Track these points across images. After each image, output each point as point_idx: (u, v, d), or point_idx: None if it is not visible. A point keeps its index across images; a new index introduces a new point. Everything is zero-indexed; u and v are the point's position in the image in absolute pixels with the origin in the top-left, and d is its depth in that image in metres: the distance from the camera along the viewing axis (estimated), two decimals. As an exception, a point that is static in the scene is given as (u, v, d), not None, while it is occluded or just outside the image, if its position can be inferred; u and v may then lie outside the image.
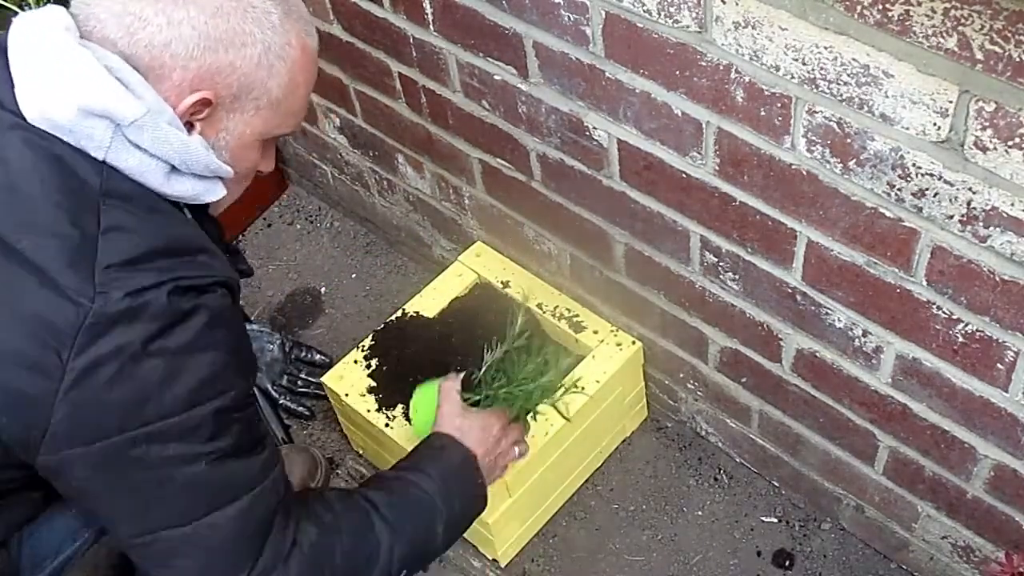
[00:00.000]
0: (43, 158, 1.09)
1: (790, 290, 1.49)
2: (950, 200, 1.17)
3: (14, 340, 1.07)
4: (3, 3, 1.85)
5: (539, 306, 1.86)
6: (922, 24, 1.03)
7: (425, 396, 1.62)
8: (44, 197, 1.08)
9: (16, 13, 1.26)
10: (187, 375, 1.11)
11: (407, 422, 1.73)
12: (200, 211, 1.25)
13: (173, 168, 1.16)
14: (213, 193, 1.22)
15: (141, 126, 1.11)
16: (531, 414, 1.65)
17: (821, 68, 1.17)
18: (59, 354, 1.05)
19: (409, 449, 1.78)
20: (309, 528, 1.27)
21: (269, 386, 2.07)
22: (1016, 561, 1.24)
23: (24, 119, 1.10)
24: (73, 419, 1.08)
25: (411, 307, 1.98)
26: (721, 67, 1.28)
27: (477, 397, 1.59)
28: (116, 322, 1.06)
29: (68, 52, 1.10)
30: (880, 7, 1.05)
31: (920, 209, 1.22)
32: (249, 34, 1.15)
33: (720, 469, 1.96)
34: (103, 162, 1.11)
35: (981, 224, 1.17)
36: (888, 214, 1.26)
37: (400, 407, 1.84)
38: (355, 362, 1.92)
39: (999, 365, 1.30)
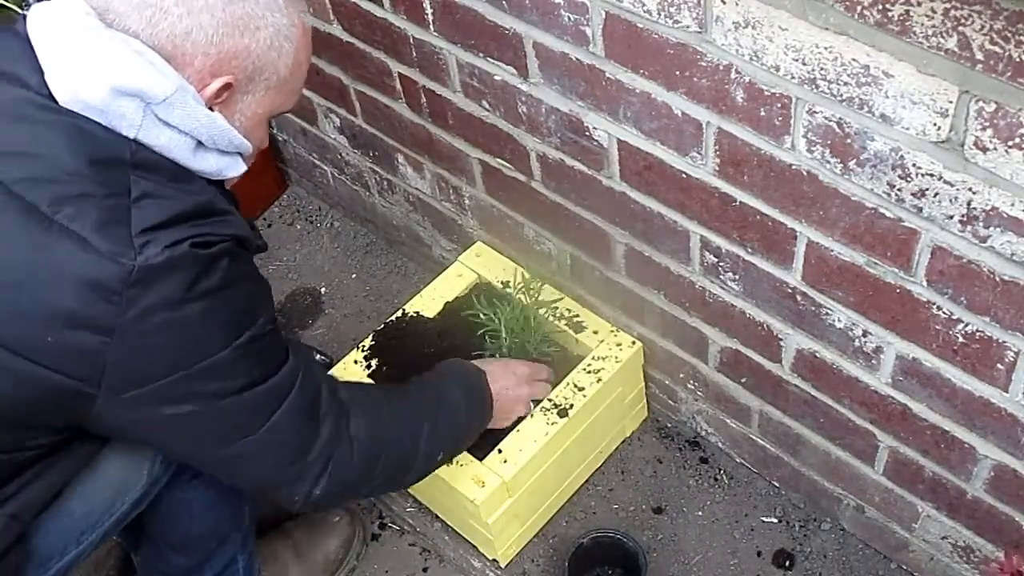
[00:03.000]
0: (76, 136, 1.15)
1: (790, 290, 1.49)
2: (950, 200, 1.17)
3: (65, 302, 1.13)
4: (3, 3, 1.85)
5: (539, 306, 1.86)
6: (922, 24, 1.03)
7: None
8: (77, 172, 1.14)
9: (16, 12, 1.29)
10: (226, 311, 1.22)
11: None
12: (218, 185, 1.30)
13: (199, 144, 1.23)
14: (235, 168, 1.30)
15: (171, 104, 1.17)
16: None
17: (821, 68, 1.17)
18: (110, 309, 1.13)
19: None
20: (358, 416, 1.43)
21: (269, 386, 2.09)
22: (1016, 561, 1.24)
23: (54, 101, 1.15)
24: (129, 366, 1.17)
25: (411, 307, 1.98)
26: (721, 67, 1.28)
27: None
28: (158, 274, 1.14)
29: (97, 35, 1.15)
30: (880, 7, 1.05)
31: (920, 209, 1.22)
32: (261, 17, 1.22)
33: (720, 469, 1.96)
34: (133, 139, 1.17)
35: (981, 224, 1.17)
36: (888, 214, 1.26)
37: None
38: (355, 362, 1.92)
39: (999, 365, 1.30)
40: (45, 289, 1.14)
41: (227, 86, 1.22)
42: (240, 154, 1.30)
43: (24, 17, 1.22)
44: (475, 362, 1.75)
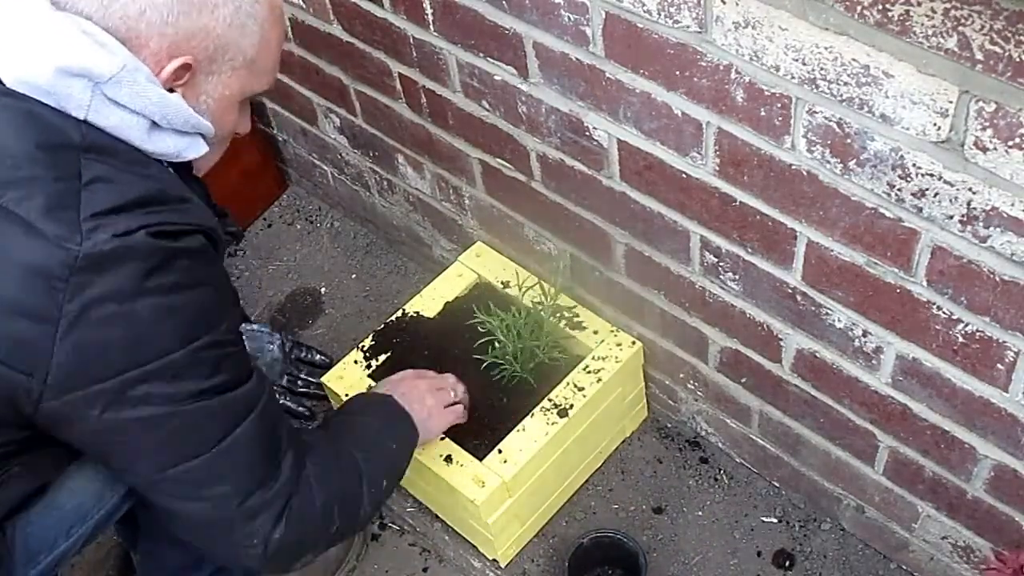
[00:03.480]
0: (23, 117, 1.12)
1: (790, 290, 1.49)
2: (950, 200, 1.17)
3: (8, 290, 1.09)
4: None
5: (539, 306, 1.86)
6: (922, 24, 1.03)
7: None
8: (26, 154, 1.11)
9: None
10: (181, 311, 1.14)
11: None
12: (184, 172, 1.27)
13: (154, 124, 1.18)
14: (195, 150, 1.24)
15: (119, 81, 1.13)
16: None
17: (821, 68, 1.17)
18: (54, 298, 1.08)
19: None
20: (315, 453, 1.37)
21: (269, 386, 2.08)
22: (1012, 560, 1.24)
23: (2, 84, 1.13)
24: (74, 362, 1.11)
25: (411, 307, 1.98)
26: (721, 67, 1.28)
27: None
28: (106, 263, 1.08)
29: (42, 16, 1.12)
30: (880, 7, 1.05)
31: (920, 209, 1.22)
32: None
33: (720, 469, 1.96)
34: (84, 121, 1.13)
35: (981, 224, 1.17)
36: (888, 214, 1.26)
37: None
38: (355, 362, 1.92)
39: (999, 365, 1.30)
40: None
41: (186, 67, 1.18)
42: (202, 135, 1.25)
43: None
44: (374, 388, 1.70)
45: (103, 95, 1.13)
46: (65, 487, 1.41)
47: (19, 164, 1.11)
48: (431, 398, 1.68)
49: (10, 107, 1.12)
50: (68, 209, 1.09)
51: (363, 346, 1.94)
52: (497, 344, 1.82)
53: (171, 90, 1.19)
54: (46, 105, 1.12)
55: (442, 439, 1.77)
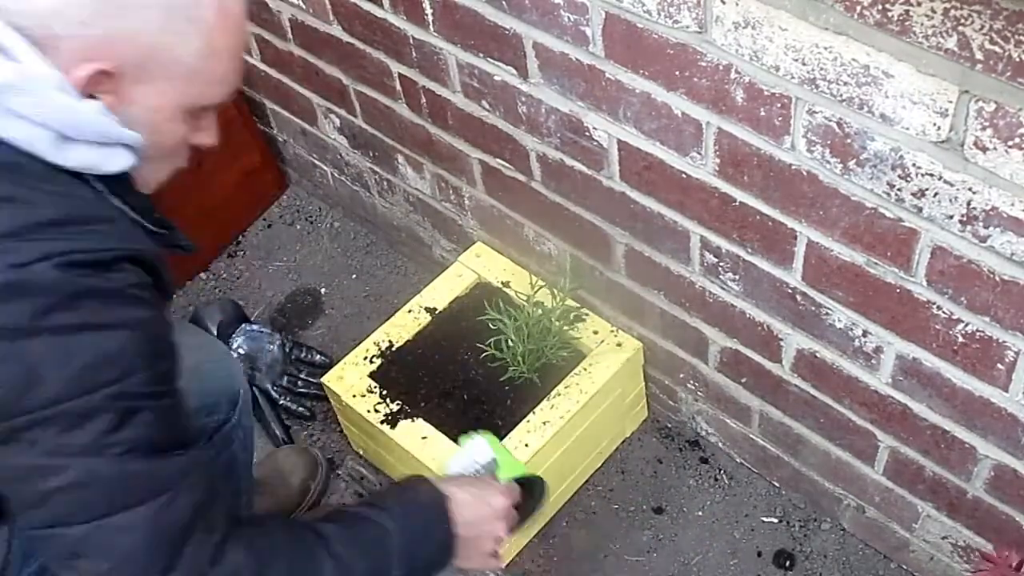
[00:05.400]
0: None
1: (790, 290, 1.49)
2: (950, 200, 1.18)
3: None
4: None
5: (539, 306, 1.86)
6: (922, 24, 1.03)
7: (493, 444, 1.48)
8: None
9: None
10: (79, 355, 1.00)
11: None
12: (121, 187, 1.13)
13: (63, 136, 1.04)
14: (115, 162, 1.09)
15: (20, 91, 1.01)
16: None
17: (821, 68, 1.17)
18: None
19: (409, 449, 1.78)
20: (237, 552, 1.11)
21: (269, 386, 2.08)
22: (1011, 555, 1.24)
23: None
24: None
25: (411, 307, 1.98)
26: (721, 67, 1.28)
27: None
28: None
29: None
30: (880, 7, 1.05)
31: (920, 209, 1.22)
32: None
33: (720, 469, 1.96)
34: None
35: (981, 224, 1.17)
36: (888, 214, 1.26)
37: (398, 405, 1.84)
38: (355, 364, 1.92)
39: (999, 365, 1.30)
40: None
41: (103, 73, 1.04)
42: (128, 146, 1.10)
43: None
44: (442, 483, 1.32)
45: (3, 106, 1.00)
46: None
47: None
48: (499, 523, 1.35)
49: None
50: None
51: (364, 347, 1.94)
52: (508, 344, 1.81)
53: (93, 96, 1.06)
54: None
55: (443, 439, 1.77)
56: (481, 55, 1.62)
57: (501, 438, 1.77)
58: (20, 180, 1.02)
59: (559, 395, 1.81)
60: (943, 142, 1.13)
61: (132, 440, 1.03)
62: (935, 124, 1.11)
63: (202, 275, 2.40)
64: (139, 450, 1.04)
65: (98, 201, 1.08)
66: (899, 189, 1.22)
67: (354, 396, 1.87)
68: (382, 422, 1.82)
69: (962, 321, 1.29)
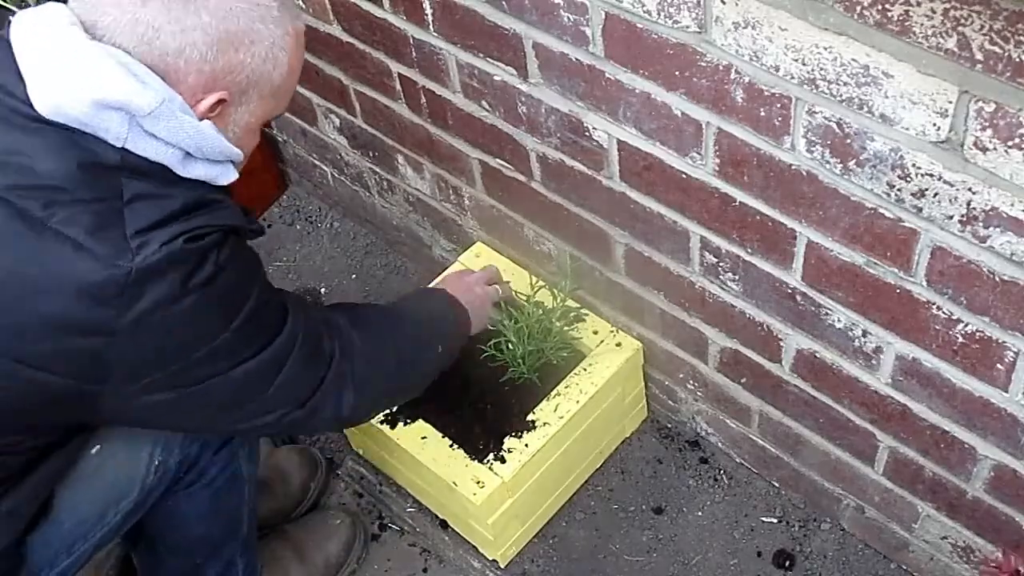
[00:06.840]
0: (64, 145, 1.14)
1: (790, 290, 1.49)
2: (950, 200, 1.18)
3: (62, 309, 1.13)
4: (3, 3, 1.85)
5: (539, 306, 1.86)
6: (922, 24, 1.03)
7: None
8: (69, 178, 1.14)
9: (15, 13, 1.27)
10: (219, 296, 1.22)
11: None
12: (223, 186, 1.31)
13: (188, 155, 1.21)
14: (226, 176, 1.28)
15: (157, 116, 1.15)
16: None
17: (821, 68, 1.17)
18: (108, 313, 1.13)
19: (409, 449, 1.78)
20: (346, 326, 1.47)
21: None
22: (1015, 560, 1.24)
23: (34, 110, 1.14)
24: (135, 362, 1.19)
25: (411, 307, 1.98)
26: (721, 67, 1.28)
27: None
28: (154, 274, 1.14)
29: (79, 47, 1.13)
30: (880, 7, 1.05)
31: (920, 209, 1.22)
32: (257, 32, 1.20)
33: (720, 469, 1.96)
34: (121, 148, 1.16)
35: (981, 224, 1.17)
36: (888, 214, 1.26)
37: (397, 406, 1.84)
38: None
39: (999, 365, 1.30)
40: (42, 295, 1.13)
41: (221, 101, 1.21)
42: (232, 162, 1.29)
43: (9, 23, 1.20)
44: (432, 286, 1.86)
45: (140, 128, 1.15)
46: (68, 504, 1.43)
47: (63, 186, 1.13)
48: (479, 288, 1.81)
49: (47, 133, 1.14)
50: (114, 227, 1.13)
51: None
52: (510, 345, 1.81)
53: (202, 118, 1.21)
54: (84, 133, 1.14)
55: (443, 439, 1.77)
56: (481, 55, 1.62)
57: (502, 438, 1.77)
58: (151, 183, 1.18)
59: (559, 395, 1.81)
60: (943, 142, 1.13)
61: (271, 332, 1.31)
62: (935, 124, 1.11)
63: (202, 275, 2.40)
64: (275, 332, 1.31)
65: (207, 189, 1.25)
66: (899, 189, 1.22)
67: (354, 396, 1.87)
68: (382, 422, 1.82)
69: (962, 321, 1.29)
